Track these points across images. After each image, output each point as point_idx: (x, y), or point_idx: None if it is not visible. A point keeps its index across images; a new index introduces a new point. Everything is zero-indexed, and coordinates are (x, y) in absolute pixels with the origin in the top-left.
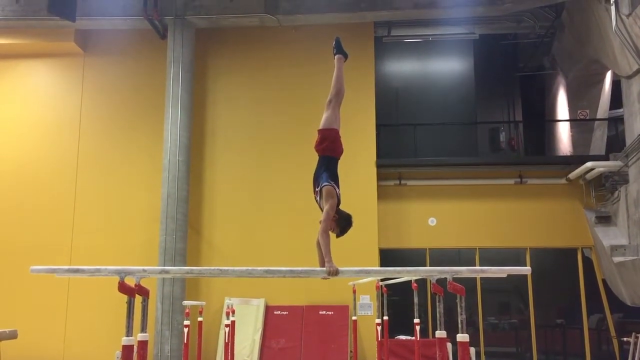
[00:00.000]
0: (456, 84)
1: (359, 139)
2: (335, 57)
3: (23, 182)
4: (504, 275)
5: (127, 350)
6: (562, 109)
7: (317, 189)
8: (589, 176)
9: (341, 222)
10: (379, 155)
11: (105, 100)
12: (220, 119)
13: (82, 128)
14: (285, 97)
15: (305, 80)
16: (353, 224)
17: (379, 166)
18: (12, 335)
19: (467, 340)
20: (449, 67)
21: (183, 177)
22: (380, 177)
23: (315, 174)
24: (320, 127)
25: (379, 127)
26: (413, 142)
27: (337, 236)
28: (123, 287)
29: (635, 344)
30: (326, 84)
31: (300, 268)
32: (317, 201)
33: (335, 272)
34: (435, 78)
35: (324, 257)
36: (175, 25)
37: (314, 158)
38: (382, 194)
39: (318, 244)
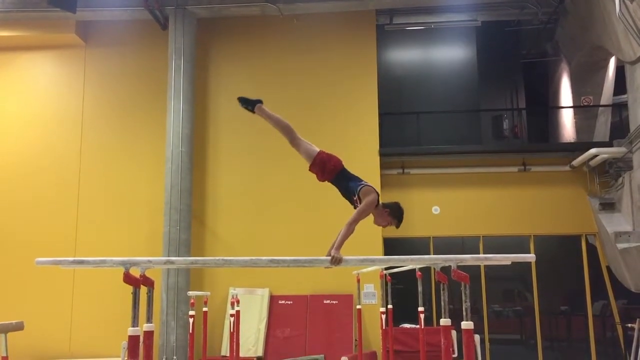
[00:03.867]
0: (459, 71)
1: (361, 128)
2: (255, 110)
3: (26, 175)
4: (508, 263)
5: (133, 340)
6: (566, 95)
7: (355, 198)
8: (592, 163)
9: (394, 213)
10: (381, 144)
11: (107, 92)
12: (223, 109)
13: (85, 120)
14: (287, 86)
15: (307, 69)
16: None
17: (382, 155)
18: (19, 327)
19: (472, 327)
20: (451, 54)
21: (186, 168)
22: (383, 166)
23: (343, 192)
24: (310, 163)
25: (381, 115)
26: (416, 131)
27: (397, 227)
28: (128, 278)
29: None
30: (328, 71)
31: (304, 257)
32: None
33: (338, 261)
34: (437, 66)
35: (336, 244)
36: (176, 15)
37: (318, 144)
38: (386, 183)
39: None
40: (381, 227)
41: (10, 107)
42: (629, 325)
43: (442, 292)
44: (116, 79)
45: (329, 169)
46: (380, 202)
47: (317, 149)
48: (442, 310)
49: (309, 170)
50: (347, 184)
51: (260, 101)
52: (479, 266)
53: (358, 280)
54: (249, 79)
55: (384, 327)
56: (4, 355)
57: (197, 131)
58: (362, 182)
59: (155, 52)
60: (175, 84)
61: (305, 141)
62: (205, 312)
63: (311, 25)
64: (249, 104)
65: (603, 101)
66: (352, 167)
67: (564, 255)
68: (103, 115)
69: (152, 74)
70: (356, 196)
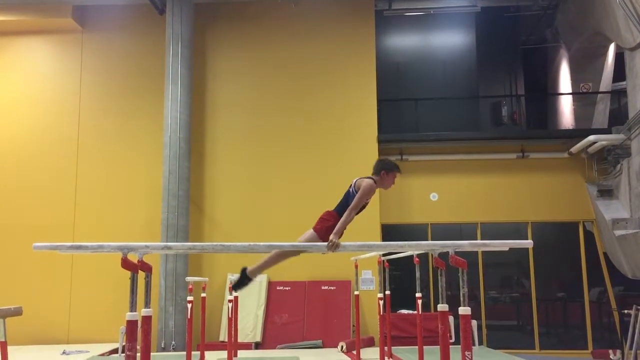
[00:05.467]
0: (458, 57)
1: (360, 115)
2: (250, 277)
3: (24, 161)
4: (506, 249)
5: (131, 325)
6: (565, 82)
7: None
8: (591, 150)
9: (387, 167)
10: (380, 130)
11: (105, 78)
12: (221, 94)
13: (82, 105)
14: (285, 71)
15: (306, 55)
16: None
17: (380, 141)
18: (17, 312)
19: (469, 313)
20: (450, 40)
21: (184, 154)
22: (381, 153)
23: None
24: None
25: (380, 102)
26: (414, 117)
27: (400, 172)
28: (126, 263)
29: (636, 316)
30: (327, 57)
31: (302, 243)
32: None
33: (335, 246)
34: (436, 52)
35: (335, 229)
36: (174, 0)
37: (316, 132)
38: None
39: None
40: (379, 214)
41: (7, 93)
42: (626, 311)
43: (439, 278)
44: (113, 64)
45: (331, 222)
46: (372, 175)
47: (310, 230)
48: (440, 296)
49: (320, 234)
50: (347, 202)
51: (245, 268)
52: (476, 253)
53: (356, 267)
54: (247, 64)
55: (381, 313)
56: (3, 340)
57: (194, 117)
58: (352, 185)
59: (152, 37)
60: (173, 70)
61: (298, 241)
62: (204, 298)
63: (310, 10)
64: (244, 280)
65: (602, 88)
66: (351, 153)
67: (561, 242)
68: (100, 101)
69: (149, 60)
70: (356, 188)
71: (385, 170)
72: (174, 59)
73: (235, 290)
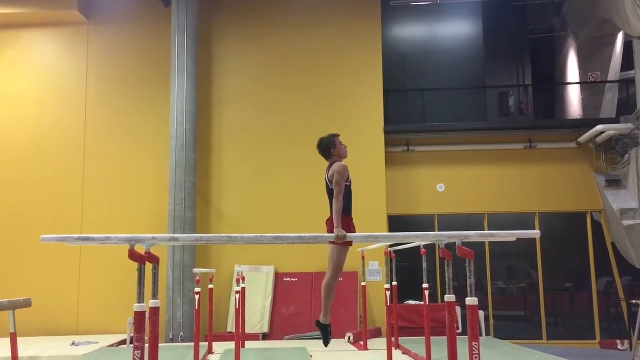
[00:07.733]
0: (465, 47)
1: (366, 106)
2: (327, 324)
3: (31, 153)
4: (514, 239)
5: (139, 316)
6: (573, 71)
7: (333, 181)
8: (599, 139)
9: (330, 144)
10: (386, 121)
11: (111, 70)
12: (227, 86)
13: (89, 98)
14: (291, 63)
15: (311, 46)
16: (333, 135)
17: (386, 132)
18: (27, 304)
19: (476, 303)
20: (457, 30)
21: (191, 146)
22: (388, 144)
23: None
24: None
25: (386, 92)
26: (421, 108)
27: (339, 135)
28: (133, 255)
29: None
30: (333, 48)
31: (309, 234)
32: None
33: (343, 238)
34: (443, 42)
35: (334, 222)
36: None
37: (322, 122)
38: (390, 161)
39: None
40: (385, 205)
41: (14, 86)
42: (634, 301)
43: (446, 268)
44: (119, 56)
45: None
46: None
47: (329, 246)
48: (447, 287)
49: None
50: (331, 192)
51: (317, 321)
52: (483, 243)
53: (363, 258)
54: (253, 55)
55: (388, 304)
56: (13, 331)
57: (201, 109)
58: (327, 184)
59: (158, 29)
60: (179, 62)
61: (329, 260)
62: (211, 289)
63: (316, 1)
64: (325, 329)
65: (610, 77)
66: (357, 145)
67: (569, 232)
68: (107, 93)
69: (155, 52)
70: (333, 181)
71: (332, 148)
72: (180, 50)
73: (327, 346)
